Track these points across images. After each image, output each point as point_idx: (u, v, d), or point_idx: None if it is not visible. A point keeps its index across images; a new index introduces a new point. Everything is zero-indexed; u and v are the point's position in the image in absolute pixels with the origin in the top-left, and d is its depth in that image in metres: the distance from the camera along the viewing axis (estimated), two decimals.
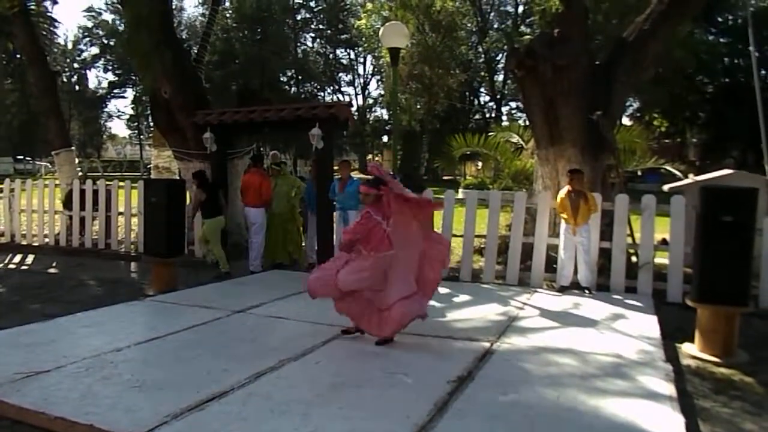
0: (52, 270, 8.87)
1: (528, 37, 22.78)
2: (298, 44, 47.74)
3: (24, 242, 10.73)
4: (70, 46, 51.99)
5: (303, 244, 9.06)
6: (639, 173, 16.84)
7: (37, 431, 3.29)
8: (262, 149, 28.98)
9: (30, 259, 9.82)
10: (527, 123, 9.95)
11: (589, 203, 6.71)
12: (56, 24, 52.75)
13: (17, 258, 9.88)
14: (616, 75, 7.81)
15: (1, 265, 9.48)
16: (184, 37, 38.67)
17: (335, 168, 8.76)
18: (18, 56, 36.01)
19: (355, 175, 10.41)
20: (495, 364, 4.32)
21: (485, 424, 3.28)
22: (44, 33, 37.29)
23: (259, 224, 8.33)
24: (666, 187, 8.72)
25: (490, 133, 11.88)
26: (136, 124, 52.82)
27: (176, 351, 4.56)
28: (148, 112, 25.84)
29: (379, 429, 3.18)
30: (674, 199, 6.96)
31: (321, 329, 5.08)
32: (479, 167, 26.25)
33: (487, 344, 4.74)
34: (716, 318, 4.81)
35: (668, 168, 10.95)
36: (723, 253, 4.75)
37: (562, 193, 6.90)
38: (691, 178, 8.56)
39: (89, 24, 50.77)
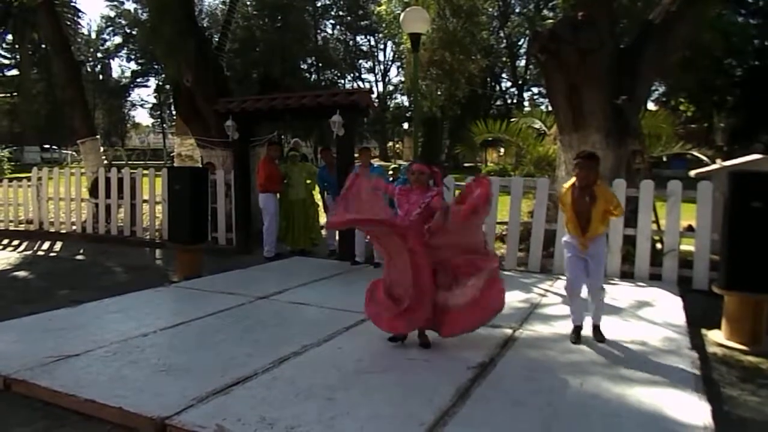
0: (79, 257, 9.05)
1: (551, 21, 22.40)
2: (318, 31, 47.68)
3: (52, 230, 10.94)
4: (93, 35, 52.72)
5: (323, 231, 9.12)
6: (665, 159, 16.52)
7: (68, 413, 3.37)
8: (283, 137, 29.07)
9: (58, 246, 10.04)
10: (550, 108, 9.82)
11: (607, 205, 4.30)
12: (80, 14, 53.55)
13: (45, 245, 10.09)
14: (642, 59, 7.64)
15: (30, 252, 9.71)
16: (205, 25, 38.80)
17: (356, 155, 8.77)
18: (43, 46, 36.61)
19: (376, 162, 10.41)
20: (518, 350, 4.30)
21: (508, 410, 3.28)
22: (68, 23, 37.96)
23: (264, 210, 8.43)
24: (693, 173, 8.56)
25: (512, 119, 11.76)
26: (158, 112, 53.42)
27: (201, 336, 4.63)
28: (171, 100, 26.11)
29: (402, 413, 3.20)
30: (701, 185, 6.83)
31: (343, 315, 5.11)
32: (501, 154, 26.01)
33: (510, 331, 4.73)
34: (744, 305, 4.74)
35: (695, 153, 10.73)
36: (751, 240, 4.67)
37: (566, 186, 4.58)
38: (719, 164, 8.39)
39: (112, 13, 51.33)
